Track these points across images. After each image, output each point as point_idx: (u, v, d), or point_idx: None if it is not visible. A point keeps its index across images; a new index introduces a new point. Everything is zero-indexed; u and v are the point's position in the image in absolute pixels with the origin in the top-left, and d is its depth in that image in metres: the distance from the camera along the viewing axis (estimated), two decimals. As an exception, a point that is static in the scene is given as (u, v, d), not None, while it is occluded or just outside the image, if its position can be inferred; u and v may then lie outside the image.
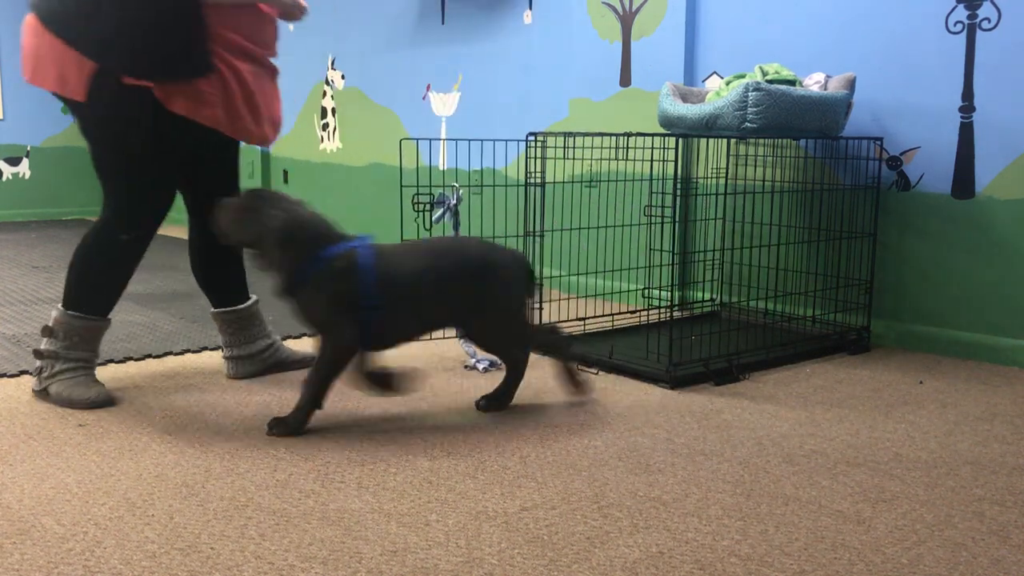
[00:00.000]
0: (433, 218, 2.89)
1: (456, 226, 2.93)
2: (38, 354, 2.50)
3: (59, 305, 2.48)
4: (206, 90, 2.32)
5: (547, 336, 2.47)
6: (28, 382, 2.65)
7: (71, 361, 2.48)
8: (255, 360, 2.75)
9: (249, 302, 2.76)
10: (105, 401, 2.44)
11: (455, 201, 2.90)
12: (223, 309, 2.73)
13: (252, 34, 2.43)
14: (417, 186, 3.03)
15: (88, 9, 2.24)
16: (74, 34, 2.26)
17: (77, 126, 2.44)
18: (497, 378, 2.76)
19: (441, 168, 4.92)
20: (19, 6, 7.38)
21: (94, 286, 2.47)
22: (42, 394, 2.49)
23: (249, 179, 6.31)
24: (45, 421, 2.31)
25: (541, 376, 2.79)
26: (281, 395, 2.56)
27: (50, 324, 2.48)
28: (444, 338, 3.25)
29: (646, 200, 3.77)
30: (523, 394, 2.59)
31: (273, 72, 2.55)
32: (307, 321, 2.24)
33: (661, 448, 2.15)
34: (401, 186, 2.88)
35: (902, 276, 3.19)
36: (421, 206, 2.88)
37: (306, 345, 3.17)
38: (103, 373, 2.77)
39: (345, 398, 2.53)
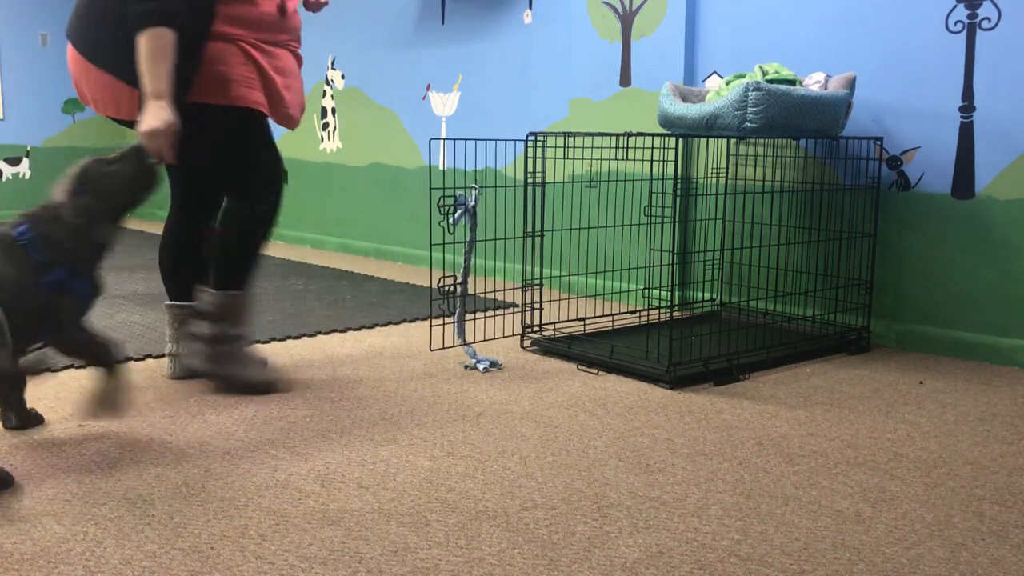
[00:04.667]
0: (451, 219, 2.88)
1: (473, 227, 2.92)
2: (209, 338, 2.57)
3: (214, 291, 2.57)
4: (246, 75, 2.44)
5: None
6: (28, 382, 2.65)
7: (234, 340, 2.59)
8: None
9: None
10: (280, 384, 2.59)
11: (473, 202, 2.89)
12: (181, 303, 2.67)
13: (272, 29, 2.53)
14: (430, 187, 3.03)
15: (125, 44, 2.33)
16: (115, 67, 2.37)
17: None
18: (497, 378, 2.77)
19: (441, 168, 4.92)
20: (20, 7, 7.38)
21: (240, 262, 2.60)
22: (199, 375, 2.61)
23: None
24: (45, 421, 2.31)
25: (541, 376, 2.79)
26: (280, 394, 2.56)
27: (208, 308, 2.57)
28: (445, 339, 3.25)
29: (646, 200, 3.77)
30: (523, 394, 2.59)
31: (297, 58, 2.65)
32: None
33: (661, 448, 2.15)
34: (430, 188, 2.89)
35: (902, 276, 3.19)
36: (445, 208, 2.87)
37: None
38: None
39: (344, 398, 2.53)
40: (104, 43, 2.38)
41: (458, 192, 2.91)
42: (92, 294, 2.13)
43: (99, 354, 2.13)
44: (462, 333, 2.95)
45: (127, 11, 2.28)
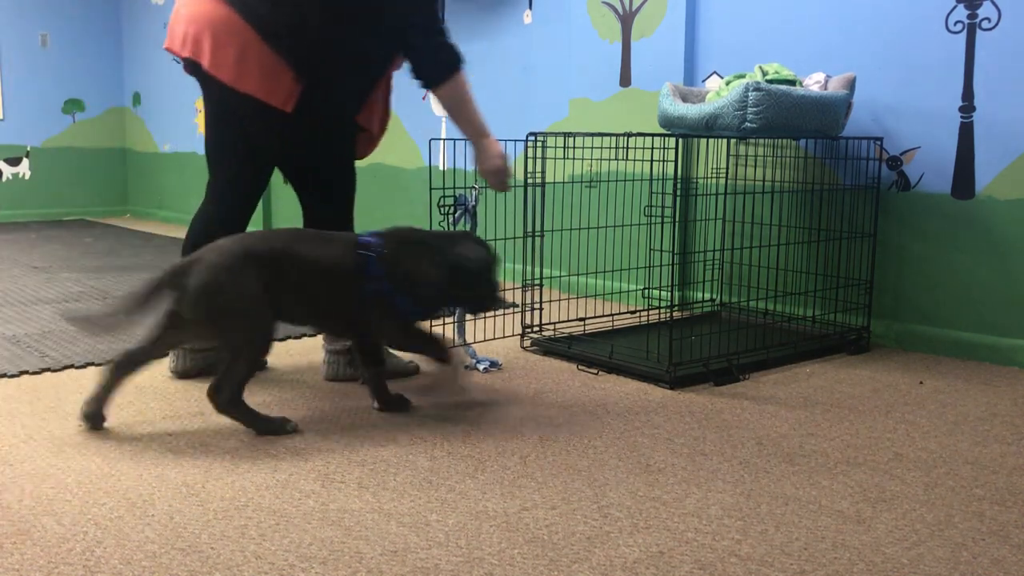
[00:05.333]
0: (451, 219, 2.88)
1: (474, 228, 2.92)
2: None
3: None
4: (376, 103, 2.63)
5: None
6: (28, 382, 2.65)
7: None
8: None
9: None
10: (416, 365, 2.82)
11: (474, 203, 2.89)
12: None
13: None
14: (430, 188, 3.03)
15: (309, 37, 2.42)
16: (294, 58, 2.42)
17: (258, 127, 2.55)
18: (497, 378, 2.77)
19: (441, 168, 4.92)
20: (20, 7, 7.38)
21: None
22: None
23: (249, 179, 6.31)
24: (45, 421, 2.31)
25: (541, 376, 2.79)
26: (281, 395, 2.56)
27: None
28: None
29: (646, 200, 3.77)
30: (523, 394, 2.59)
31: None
32: None
33: (661, 448, 2.15)
34: (431, 188, 2.90)
35: (902, 276, 3.19)
36: (445, 208, 2.88)
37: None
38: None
39: (345, 398, 2.53)
40: (286, 28, 2.40)
41: (458, 192, 2.91)
42: (415, 313, 2.35)
43: (430, 351, 2.39)
44: (462, 333, 2.95)
45: (436, 58, 2.46)
